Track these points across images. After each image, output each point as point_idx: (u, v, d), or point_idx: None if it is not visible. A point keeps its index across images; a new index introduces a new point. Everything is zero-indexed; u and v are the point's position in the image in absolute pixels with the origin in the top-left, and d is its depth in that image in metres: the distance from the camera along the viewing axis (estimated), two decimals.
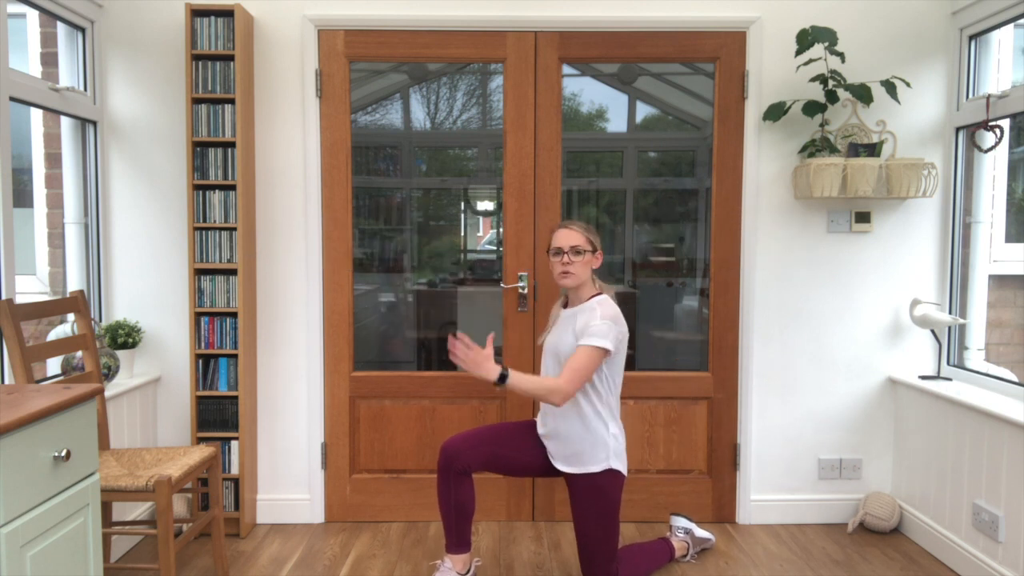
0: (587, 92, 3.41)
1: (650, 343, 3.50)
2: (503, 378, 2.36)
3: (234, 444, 3.15)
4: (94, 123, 3.18)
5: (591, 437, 2.53)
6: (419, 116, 3.47)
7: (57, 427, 1.77)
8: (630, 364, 2.67)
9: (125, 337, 3.11)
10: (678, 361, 3.53)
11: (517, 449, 2.64)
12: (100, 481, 2.23)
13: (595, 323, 2.44)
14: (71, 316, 3.03)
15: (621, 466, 2.56)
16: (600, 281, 2.66)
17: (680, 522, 3.01)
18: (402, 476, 3.39)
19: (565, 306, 2.68)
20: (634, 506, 3.36)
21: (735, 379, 3.35)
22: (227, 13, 3.03)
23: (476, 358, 2.36)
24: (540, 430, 2.67)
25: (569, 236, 2.56)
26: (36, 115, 4.16)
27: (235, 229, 3.09)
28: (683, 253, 3.51)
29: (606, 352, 2.44)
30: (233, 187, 3.09)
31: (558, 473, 2.64)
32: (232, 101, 3.06)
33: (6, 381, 2.54)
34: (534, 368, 3.33)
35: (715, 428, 3.37)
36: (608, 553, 2.55)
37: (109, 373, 2.99)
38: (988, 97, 2.95)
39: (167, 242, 3.25)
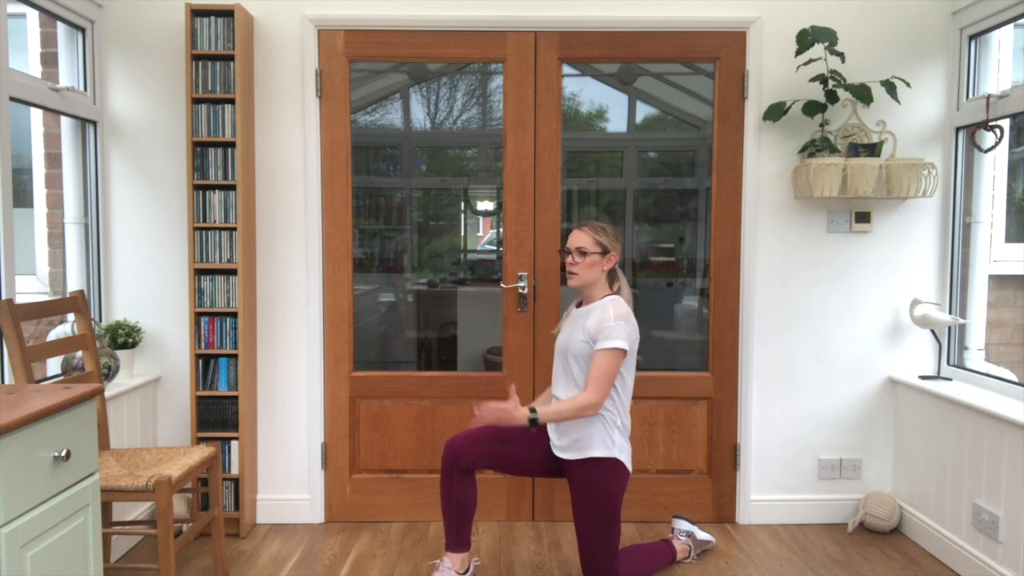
0: (587, 92, 3.41)
1: (650, 343, 3.50)
2: (533, 421, 2.42)
3: (234, 444, 3.15)
4: (94, 123, 3.18)
5: (597, 424, 2.53)
6: (419, 116, 3.47)
7: (57, 427, 1.77)
8: None
9: (125, 337, 3.11)
10: (678, 361, 3.53)
11: (520, 447, 2.65)
12: (100, 481, 2.23)
13: (609, 324, 2.46)
14: (71, 316, 3.03)
15: (626, 459, 2.56)
16: (622, 282, 2.66)
17: (682, 525, 3.01)
18: (402, 476, 3.39)
19: (579, 305, 2.69)
20: (634, 506, 3.36)
21: (735, 379, 3.35)
22: (227, 13, 3.03)
23: (505, 414, 2.41)
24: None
25: (576, 238, 2.60)
26: (36, 115, 4.16)
27: (235, 229, 3.09)
28: (683, 253, 3.51)
29: (623, 352, 2.46)
30: (233, 187, 3.09)
31: (560, 473, 2.64)
32: (232, 101, 3.06)
33: (6, 381, 2.54)
34: (533, 368, 3.33)
35: (715, 428, 3.37)
36: (609, 553, 2.54)
37: (109, 373, 2.99)
38: (988, 97, 2.95)
39: (167, 242, 3.25)
